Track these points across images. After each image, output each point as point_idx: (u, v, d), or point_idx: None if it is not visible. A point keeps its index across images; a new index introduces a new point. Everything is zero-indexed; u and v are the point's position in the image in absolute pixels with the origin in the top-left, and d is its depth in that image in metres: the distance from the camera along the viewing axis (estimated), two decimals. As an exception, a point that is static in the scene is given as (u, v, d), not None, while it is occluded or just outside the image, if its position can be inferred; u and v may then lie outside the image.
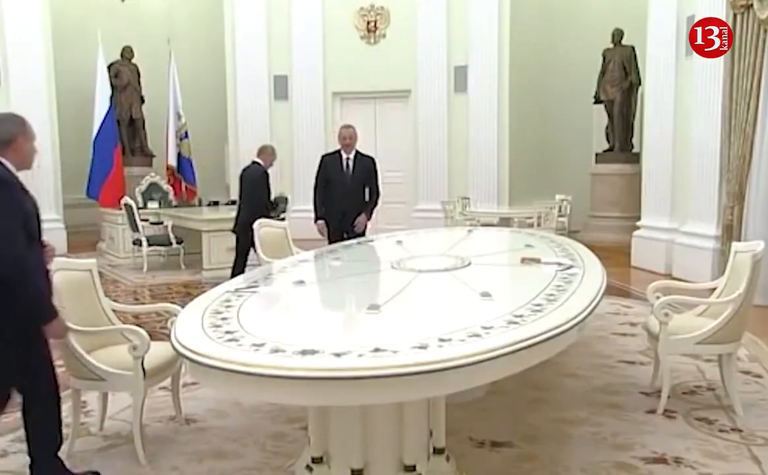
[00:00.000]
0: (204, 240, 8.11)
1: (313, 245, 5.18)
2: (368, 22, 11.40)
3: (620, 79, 10.54)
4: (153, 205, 9.92)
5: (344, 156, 5.86)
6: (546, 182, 10.77)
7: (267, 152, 6.88)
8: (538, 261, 3.70)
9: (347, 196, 5.79)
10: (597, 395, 3.99)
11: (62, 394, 3.71)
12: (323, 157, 6.14)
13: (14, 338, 2.69)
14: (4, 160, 2.71)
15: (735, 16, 6.53)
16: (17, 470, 3.11)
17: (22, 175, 2.79)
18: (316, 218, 5.91)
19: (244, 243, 6.43)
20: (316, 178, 5.98)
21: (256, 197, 6.62)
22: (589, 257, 3.89)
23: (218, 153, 12.27)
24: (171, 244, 8.73)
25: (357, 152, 5.89)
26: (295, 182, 11.16)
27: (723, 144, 6.87)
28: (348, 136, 5.85)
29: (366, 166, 5.89)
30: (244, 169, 7.01)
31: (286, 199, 9.55)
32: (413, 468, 2.49)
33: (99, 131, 10.02)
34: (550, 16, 11.47)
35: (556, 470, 3.05)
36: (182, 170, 10.97)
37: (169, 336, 2.46)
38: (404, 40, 11.12)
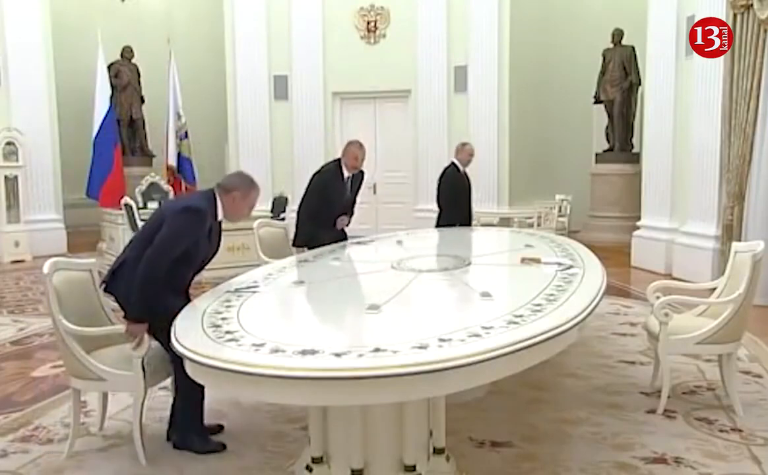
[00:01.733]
0: (204, 240, 8.08)
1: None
2: (368, 22, 11.38)
3: (620, 79, 10.53)
4: (153, 205, 9.86)
5: (346, 175, 5.10)
6: (546, 182, 10.75)
7: (462, 151, 6.23)
8: (538, 261, 3.70)
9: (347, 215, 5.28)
10: (597, 395, 3.99)
11: (62, 394, 3.69)
12: (322, 176, 5.16)
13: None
14: (218, 201, 3.17)
15: (735, 16, 6.53)
16: (17, 470, 3.11)
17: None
18: (302, 244, 4.99)
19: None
20: (312, 198, 5.07)
21: (461, 201, 6.12)
22: (589, 257, 3.89)
23: (218, 153, 12.25)
24: (171, 244, 8.69)
25: None
26: (295, 182, 11.15)
27: (723, 144, 6.86)
28: (362, 158, 5.08)
29: (359, 182, 5.28)
30: (444, 170, 6.36)
31: (286, 199, 9.54)
32: (413, 468, 2.49)
33: (99, 131, 10.01)
34: (550, 16, 11.46)
35: (556, 470, 3.05)
36: (182, 170, 10.95)
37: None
38: (404, 40, 11.11)
